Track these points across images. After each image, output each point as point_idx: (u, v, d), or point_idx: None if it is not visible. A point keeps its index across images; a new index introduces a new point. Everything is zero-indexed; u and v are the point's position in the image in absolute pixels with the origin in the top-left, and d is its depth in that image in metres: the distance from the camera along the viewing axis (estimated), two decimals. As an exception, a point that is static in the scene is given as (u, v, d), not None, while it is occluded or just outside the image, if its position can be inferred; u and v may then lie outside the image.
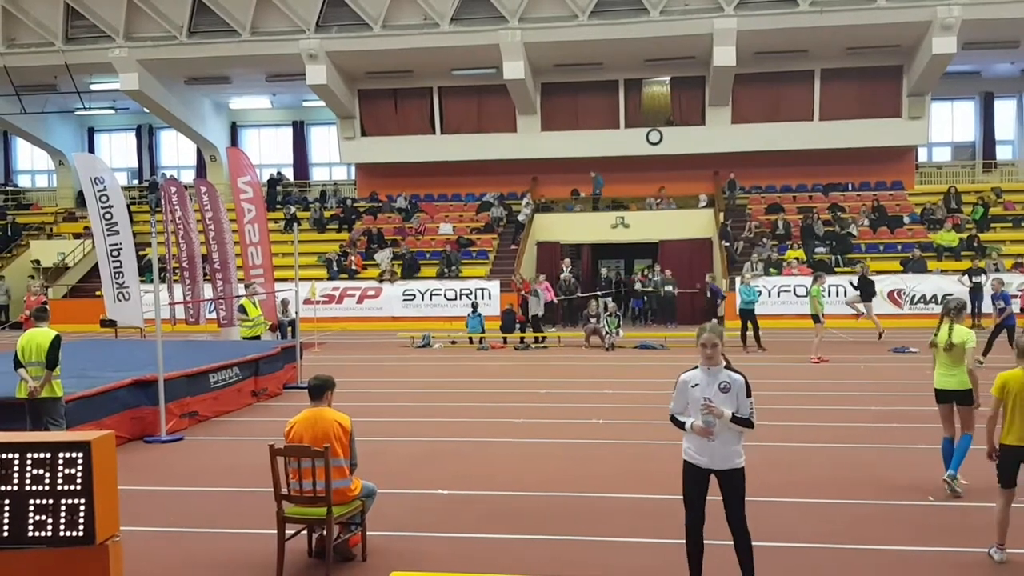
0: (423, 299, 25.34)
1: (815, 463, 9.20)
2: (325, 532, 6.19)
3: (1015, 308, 16.58)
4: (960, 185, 29.07)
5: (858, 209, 27.65)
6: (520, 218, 28.36)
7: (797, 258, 25.15)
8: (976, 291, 21.74)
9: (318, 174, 34.88)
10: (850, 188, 29.38)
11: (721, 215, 27.54)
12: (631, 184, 29.19)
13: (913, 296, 23.46)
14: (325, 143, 34.28)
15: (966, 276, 22.43)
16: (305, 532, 6.52)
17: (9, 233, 31.60)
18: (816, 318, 17.22)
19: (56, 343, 8.80)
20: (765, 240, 25.94)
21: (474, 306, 22.16)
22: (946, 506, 7.61)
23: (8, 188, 35.99)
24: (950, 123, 31.39)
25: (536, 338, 21.09)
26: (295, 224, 20.86)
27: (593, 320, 20.60)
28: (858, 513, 7.47)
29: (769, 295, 23.44)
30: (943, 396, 7.93)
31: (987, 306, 19.39)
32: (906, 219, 27.03)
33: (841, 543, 6.68)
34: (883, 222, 26.77)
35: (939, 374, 7.93)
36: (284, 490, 6.20)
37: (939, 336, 7.89)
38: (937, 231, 25.89)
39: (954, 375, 7.80)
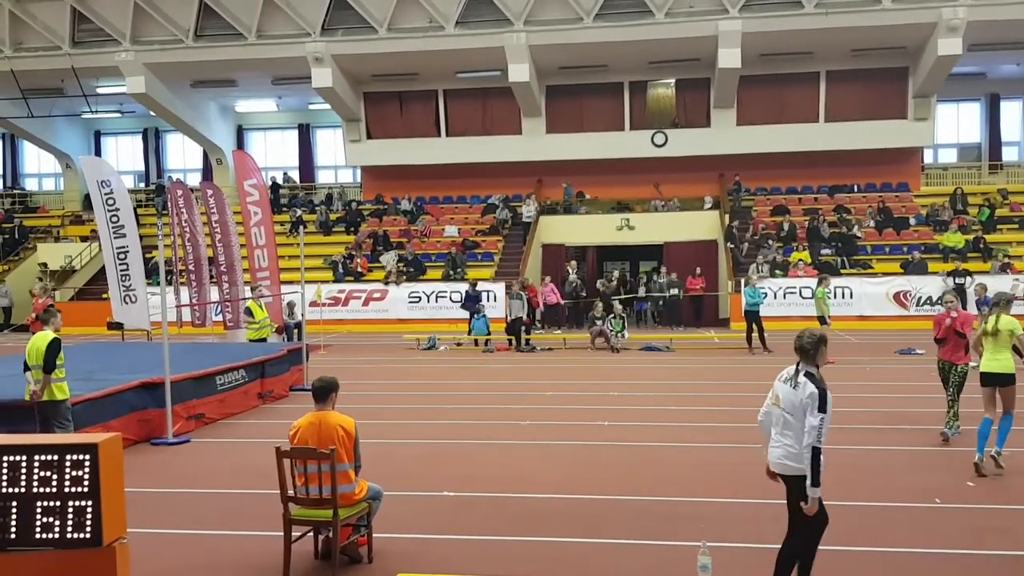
0: (428, 301, 25.34)
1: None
2: (331, 534, 6.21)
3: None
4: (966, 186, 29.00)
5: (864, 211, 27.59)
6: (525, 218, 28.30)
7: (803, 260, 25.11)
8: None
9: (324, 177, 34.96)
10: (856, 190, 29.32)
11: (727, 217, 27.51)
12: (636, 186, 29.17)
13: (919, 298, 23.40)
14: (331, 146, 34.36)
15: (950, 277, 22.50)
16: (311, 534, 6.54)
17: (16, 236, 31.70)
18: (822, 320, 17.21)
19: (53, 346, 8.77)
20: (770, 242, 25.91)
21: (479, 308, 22.17)
22: (953, 508, 7.61)
23: (15, 191, 36.12)
24: (956, 124, 31.32)
25: (520, 342, 20.64)
26: (301, 227, 20.89)
27: (598, 322, 20.59)
28: (864, 515, 7.45)
29: (775, 297, 23.40)
30: (988, 379, 8.59)
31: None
32: (912, 220, 26.97)
33: (847, 545, 6.67)
34: (889, 224, 26.72)
35: (985, 359, 8.62)
36: (290, 492, 6.22)
37: (988, 324, 8.63)
38: (943, 233, 25.84)
39: (999, 359, 8.53)
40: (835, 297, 22.10)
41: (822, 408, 5.11)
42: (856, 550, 6.55)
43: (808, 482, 5.15)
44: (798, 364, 5.37)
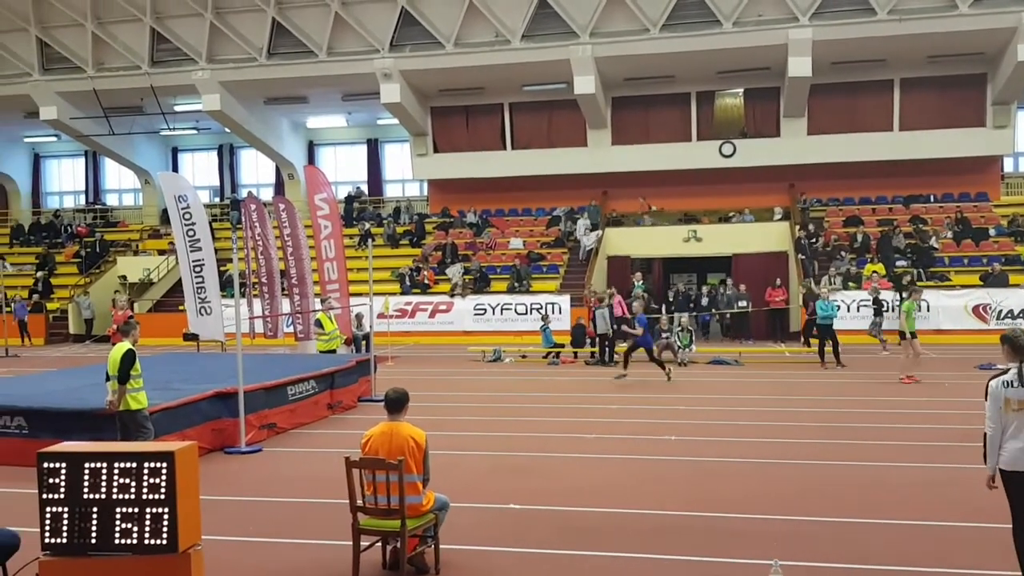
0: (494, 313, 25.43)
1: (896, 482, 8.93)
2: (399, 544, 6.26)
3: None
4: (1049, 196, 27.98)
5: (941, 221, 26.80)
6: (586, 247, 27.61)
7: (876, 272, 24.46)
8: (878, 312, 21.53)
9: (391, 190, 35.39)
10: (932, 200, 28.47)
11: (797, 228, 27.00)
12: (704, 197, 28.83)
13: (1000, 311, 22.59)
14: (398, 160, 34.78)
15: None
16: (380, 544, 6.59)
17: (97, 250, 32.82)
18: (903, 335, 16.64)
19: (127, 357, 8.98)
20: (843, 253, 25.32)
21: (545, 320, 22.15)
22: None
23: (97, 206, 37.41)
24: (1038, 132, 30.21)
25: (604, 355, 20.47)
26: (369, 240, 21.20)
27: (665, 335, 20.35)
28: (943, 535, 7.22)
29: (848, 310, 22.82)
30: None
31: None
32: (992, 231, 26.09)
33: (925, 566, 6.47)
34: (967, 234, 25.90)
35: None
36: (359, 502, 6.29)
37: None
38: (1025, 243, 24.96)
39: None
40: (921, 311, 21.47)
41: None
42: (937, 571, 6.34)
43: None
44: (1022, 365, 5.83)
